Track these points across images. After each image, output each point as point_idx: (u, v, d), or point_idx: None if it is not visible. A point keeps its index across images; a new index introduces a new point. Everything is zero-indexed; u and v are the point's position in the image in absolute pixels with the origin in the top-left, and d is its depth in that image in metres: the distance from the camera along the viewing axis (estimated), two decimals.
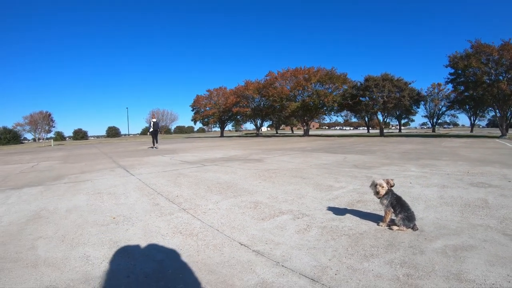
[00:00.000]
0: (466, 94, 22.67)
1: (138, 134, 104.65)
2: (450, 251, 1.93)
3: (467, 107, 32.44)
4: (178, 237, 2.31)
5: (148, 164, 7.84)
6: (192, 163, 7.61)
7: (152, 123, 14.89)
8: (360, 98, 26.99)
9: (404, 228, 2.27)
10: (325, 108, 31.74)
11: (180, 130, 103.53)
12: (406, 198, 2.72)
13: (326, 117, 39.84)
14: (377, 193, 2.39)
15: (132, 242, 2.25)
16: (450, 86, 25.16)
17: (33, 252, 2.11)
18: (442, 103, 41.67)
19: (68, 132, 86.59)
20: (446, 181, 4.29)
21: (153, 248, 2.11)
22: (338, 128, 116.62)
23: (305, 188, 4.09)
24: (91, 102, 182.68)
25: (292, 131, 69.90)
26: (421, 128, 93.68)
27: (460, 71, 21.00)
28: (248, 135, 51.02)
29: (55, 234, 2.48)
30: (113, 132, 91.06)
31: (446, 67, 21.88)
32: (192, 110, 45.49)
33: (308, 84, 29.66)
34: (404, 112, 34.69)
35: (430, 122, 45.30)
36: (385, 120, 31.43)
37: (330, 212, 2.90)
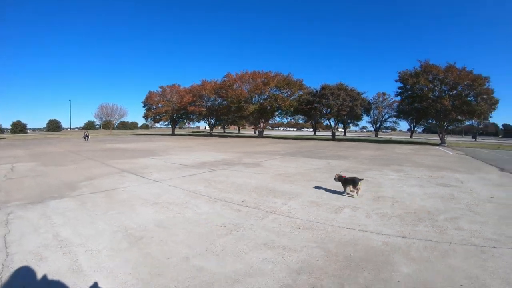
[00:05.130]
0: (411, 106, 26.12)
1: (81, 127, 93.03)
2: (447, 221, 3.37)
3: (411, 117, 37.75)
4: (307, 232, 3.16)
5: (151, 167, 7.70)
6: (196, 167, 7.82)
7: (85, 133, 27.77)
8: (315, 105, 29.34)
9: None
10: (280, 111, 33.94)
11: (124, 125, 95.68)
12: (403, 195, 4.35)
13: (277, 118, 42.49)
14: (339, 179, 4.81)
15: (287, 240, 3.08)
16: (393, 95, 29.46)
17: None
18: (385, 111, 48.65)
19: (5, 124, 71.98)
20: (420, 182, 6.09)
21: (330, 241, 3.01)
22: (282, 129, 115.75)
23: (332, 190, 5.25)
24: (31, 93, 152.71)
25: (239, 131, 70.10)
26: (361, 131, 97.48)
27: (408, 86, 24.94)
28: (195, 133, 50.03)
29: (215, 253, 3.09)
30: (54, 126, 79.54)
31: (396, 81, 25.98)
32: (144, 107, 43.02)
33: (266, 88, 31.40)
34: (354, 118, 38.71)
35: (374, 127, 52.38)
36: (337, 124, 34.99)
37: (372, 202, 4.17)
